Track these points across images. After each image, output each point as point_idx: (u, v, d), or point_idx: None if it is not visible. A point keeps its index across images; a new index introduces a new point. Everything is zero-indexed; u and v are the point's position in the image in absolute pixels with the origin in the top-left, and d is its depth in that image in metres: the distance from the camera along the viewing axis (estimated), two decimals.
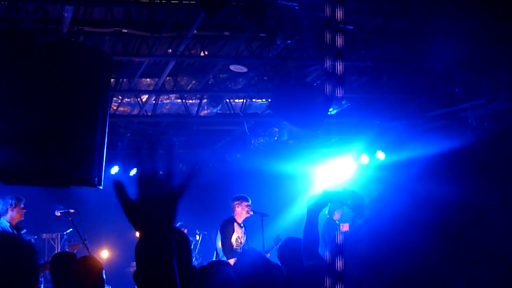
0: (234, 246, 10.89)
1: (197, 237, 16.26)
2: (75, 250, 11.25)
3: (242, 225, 11.20)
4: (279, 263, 6.89)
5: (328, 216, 14.42)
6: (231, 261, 10.41)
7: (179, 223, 14.05)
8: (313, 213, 5.91)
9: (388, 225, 1.14)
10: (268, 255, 12.34)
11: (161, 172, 2.01)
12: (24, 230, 11.03)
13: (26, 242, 2.78)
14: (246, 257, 5.52)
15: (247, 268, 5.18)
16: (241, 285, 5.02)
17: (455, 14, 10.12)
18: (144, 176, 2.01)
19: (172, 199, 2.00)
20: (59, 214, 11.86)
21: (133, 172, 18.41)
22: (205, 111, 14.21)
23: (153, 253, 1.95)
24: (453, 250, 1.05)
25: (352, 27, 10.06)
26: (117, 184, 1.97)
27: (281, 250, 7.20)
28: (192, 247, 14.55)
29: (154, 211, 1.97)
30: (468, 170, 1.04)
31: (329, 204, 6.29)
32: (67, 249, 12.31)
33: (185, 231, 14.49)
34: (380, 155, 14.51)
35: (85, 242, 11.01)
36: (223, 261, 8.47)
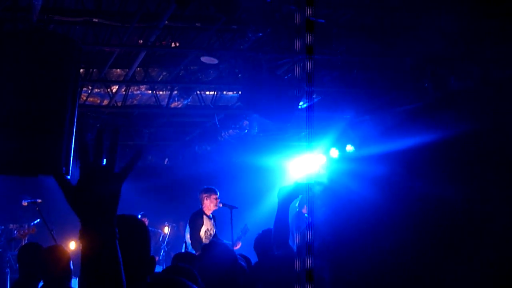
0: (203, 239, 10.87)
1: (166, 228, 16.24)
2: (27, 237, 11.16)
3: (211, 216, 11.18)
4: (246, 253, 6.90)
5: (297, 209, 14.47)
6: None
7: (140, 213, 14.00)
8: (284, 204, 5.93)
9: (341, 214, 1.14)
10: (239, 244, 12.37)
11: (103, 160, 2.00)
12: None
13: None
14: (211, 250, 5.51)
15: (212, 261, 5.18)
16: (207, 278, 5.01)
17: (427, 9, 10.18)
18: (86, 164, 2.00)
19: (113, 184, 1.99)
20: (26, 204, 11.75)
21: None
22: (176, 103, 14.18)
23: (94, 239, 1.92)
24: (419, 241, 1.05)
25: (323, 21, 10.08)
26: (58, 172, 1.97)
27: (257, 241, 7.24)
28: (160, 239, 14.35)
29: (95, 196, 1.95)
30: (435, 164, 1.05)
31: (300, 196, 6.30)
32: (15, 234, 12.23)
33: (146, 221, 14.45)
34: (350, 149, 14.56)
35: (52, 232, 10.92)
36: (190, 253, 8.44)
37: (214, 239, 10.76)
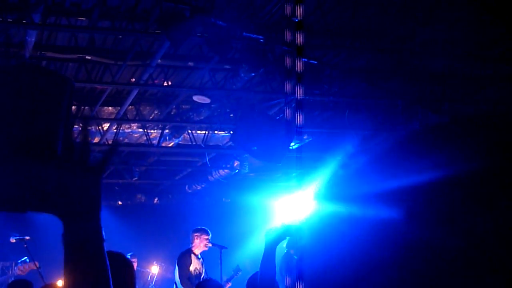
0: (193, 275, 10.79)
1: (155, 268, 16.08)
2: (26, 273, 11.01)
3: (199, 256, 11.10)
4: None
5: (286, 250, 14.37)
6: None
7: (130, 253, 13.85)
8: (270, 246, 5.88)
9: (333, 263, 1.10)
10: (229, 284, 12.25)
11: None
12: None
13: None
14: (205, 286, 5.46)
15: None
16: None
17: (418, 53, 10.25)
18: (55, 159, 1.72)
19: (92, 177, 1.76)
20: (14, 240, 11.64)
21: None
22: (167, 142, 14.15)
23: (82, 239, 1.75)
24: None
25: (316, 62, 10.12)
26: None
27: (249, 284, 7.16)
28: (148, 278, 14.17)
29: (74, 192, 1.75)
30: (429, 205, 1.02)
31: (287, 238, 6.25)
32: (16, 271, 12.05)
33: (135, 261, 14.30)
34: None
35: (40, 270, 10.79)
36: None
37: (208, 278, 10.68)
